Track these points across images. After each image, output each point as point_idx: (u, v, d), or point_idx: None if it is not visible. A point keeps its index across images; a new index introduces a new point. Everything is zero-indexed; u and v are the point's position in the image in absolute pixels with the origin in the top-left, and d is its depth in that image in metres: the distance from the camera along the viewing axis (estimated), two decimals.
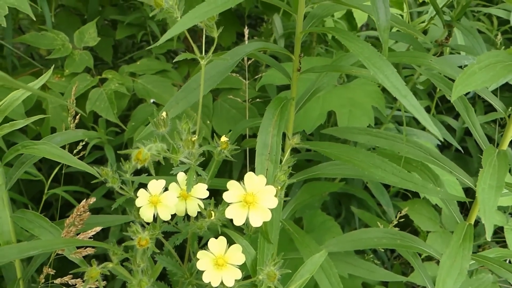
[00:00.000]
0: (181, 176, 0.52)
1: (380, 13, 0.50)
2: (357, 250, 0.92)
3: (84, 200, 0.51)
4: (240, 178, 1.33)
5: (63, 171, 1.00)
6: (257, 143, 0.53)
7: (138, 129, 1.12)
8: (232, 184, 0.45)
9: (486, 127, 1.28)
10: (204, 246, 0.67)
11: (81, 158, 0.86)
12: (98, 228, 0.49)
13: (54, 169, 0.96)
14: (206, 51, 0.52)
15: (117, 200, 0.56)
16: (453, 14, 0.86)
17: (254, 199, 0.44)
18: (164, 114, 0.50)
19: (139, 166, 0.42)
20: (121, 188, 0.54)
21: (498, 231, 1.15)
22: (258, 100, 1.10)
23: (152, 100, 1.20)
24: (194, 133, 0.51)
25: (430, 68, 0.69)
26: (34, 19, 0.92)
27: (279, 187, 0.48)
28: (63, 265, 0.68)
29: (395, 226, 0.87)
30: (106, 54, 1.44)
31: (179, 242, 0.60)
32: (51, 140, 0.62)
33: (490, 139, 1.26)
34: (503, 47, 1.25)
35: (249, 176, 0.46)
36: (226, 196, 0.45)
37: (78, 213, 0.49)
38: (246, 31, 1.03)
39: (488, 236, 0.46)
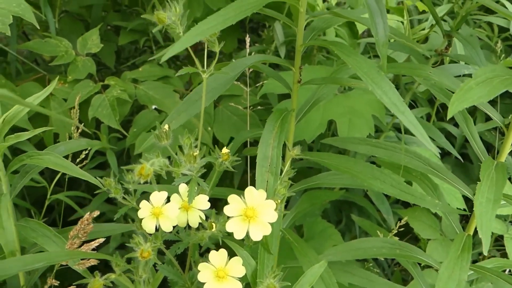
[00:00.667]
0: (182, 188, 0.53)
1: (379, 28, 0.51)
2: None
3: (88, 213, 0.52)
4: (241, 185, 1.32)
5: (66, 177, 1.01)
6: (258, 155, 0.54)
7: (140, 135, 1.13)
8: (233, 198, 0.46)
9: (486, 135, 1.29)
10: (204, 253, 0.68)
11: (83, 164, 0.87)
12: (101, 240, 0.50)
13: (56, 173, 0.97)
14: (208, 57, 0.52)
15: (120, 210, 0.57)
16: (452, 24, 0.87)
17: (254, 213, 0.45)
18: (166, 126, 0.51)
19: (142, 181, 0.43)
20: (123, 198, 0.55)
21: (499, 239, 1.15)
22: (259, 107, 1.11)
23: (153, 107, 1.21)
24: (195, 145, 0.51)
25: (429, 78, 0.69)
26: (38, 28, 0.93)
27: (279, 201, 0.49)
28: (67, 273, 0.69)
29: (396, 232, 0.87)
30: (109, 59, 1.45)
31: (180, 252, 0.61)
32: (55, 149, 0.63)
33: (491, 147, 1.26)
34: (503, 55, 1.26)
35: (249, 190, 0.47)
36: (226, 210, 0.46)
37: (82, 226, 0.50)
38: (248, 39, 1.04)
39: (485, 250, 0.47)
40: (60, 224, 1.04)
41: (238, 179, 1.20)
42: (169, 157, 0.51)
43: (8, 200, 0.54)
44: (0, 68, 1.30)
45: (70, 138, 0.84)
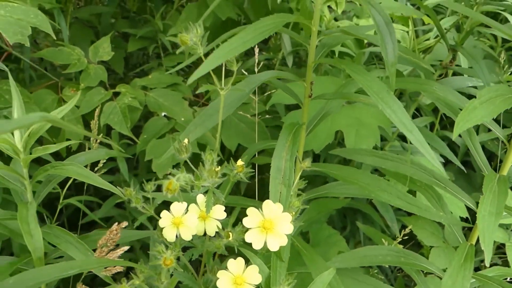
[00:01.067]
0: (200, 198, 0.56)
1: (388, 49, 0.54)
2: None
3: (116, 223, 0.55)
4: (247, 191, 1.35)
5: (76, 182, 1.04)
6: (271, 168, 0.57)
7: (150, 141, 1.16)
8: (251, 211, 0.49)
9: (489, 144, 1.31)
10: (213, 257, 0.71)
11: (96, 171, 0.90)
12: (126, 248, 0.52)
13: (66, 177, 0.99)
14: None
15: (139, 218, 0.60)
16: (457, 39, 0.89)
17: (272, 225, 0.48)
18: (186, 140, 0.53)
19: (169, 196, 0.46)
20: (143, 207, 0.58)
21: (501, 247, 1.18)
22: (267, 116, 1.14)
23: (163, 113, 1.24)
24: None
25: (434, 93, 0.72)
26: (55, 38, 0.96)
27: (294, 213, 0.52)
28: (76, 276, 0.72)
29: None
30: (118, 66, 1.48)
31: (194, 258, 0.64)
32: (76, 159, 0.66)
33: (494, 155, 1.29)
34: (506, 65, 1.28)
35: (266, 203, 0.49)
36: (245, 222, 0.49)
37: (111, 236, 0.53)
38: (256, 50, 1.07)
39: (487, 261, 0.50)
40: (78, 228, 1.07)
41: (245, 185, 1.23)
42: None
43: (34, 208, 0.57)
44: (13, 75, 1.33)
45: (82, 145, 0.87)
